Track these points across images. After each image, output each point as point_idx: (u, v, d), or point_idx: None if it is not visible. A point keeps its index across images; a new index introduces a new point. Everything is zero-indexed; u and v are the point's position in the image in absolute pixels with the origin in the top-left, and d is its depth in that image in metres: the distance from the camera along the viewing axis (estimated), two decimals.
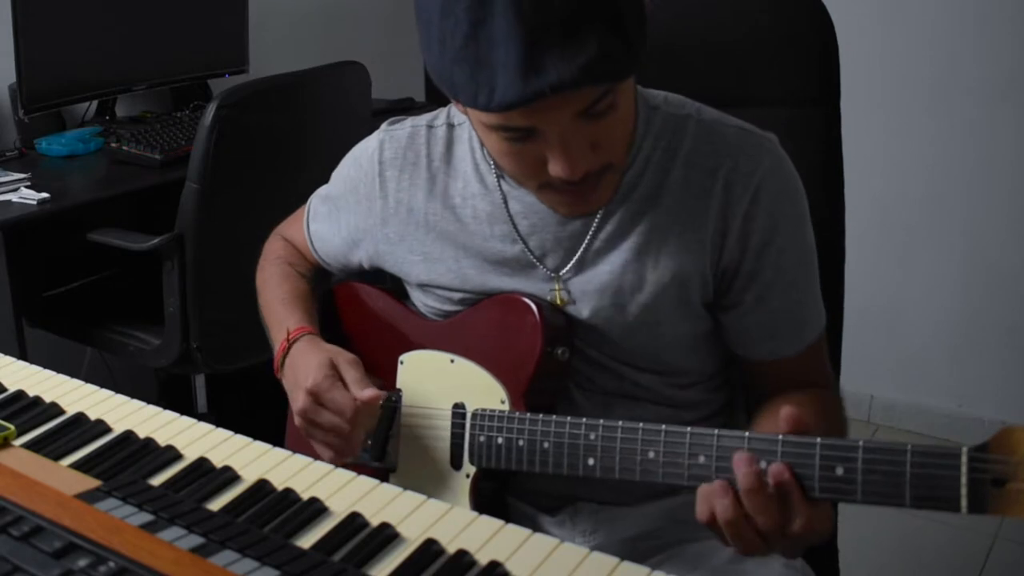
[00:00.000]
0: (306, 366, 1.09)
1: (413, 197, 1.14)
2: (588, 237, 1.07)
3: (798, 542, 0.88)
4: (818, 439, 0.86)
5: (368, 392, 1.05)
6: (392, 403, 1.14)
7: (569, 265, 1.08)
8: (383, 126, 1.18)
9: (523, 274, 1.09)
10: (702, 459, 0.91)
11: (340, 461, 1.03)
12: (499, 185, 1.09)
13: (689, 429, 0.93)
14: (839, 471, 0.84)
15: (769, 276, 1.06)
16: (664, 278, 1.05)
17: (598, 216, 1.06)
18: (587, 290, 1.07)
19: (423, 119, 1.16)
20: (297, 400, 1.08)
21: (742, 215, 1.03)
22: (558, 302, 1.08)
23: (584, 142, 0.94)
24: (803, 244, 1.08)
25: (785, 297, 1.07)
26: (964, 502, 0.80)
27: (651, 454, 0.95)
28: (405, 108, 2.91)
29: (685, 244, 1.04)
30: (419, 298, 1.18)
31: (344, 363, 1.08)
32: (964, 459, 0.79)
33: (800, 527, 0.86)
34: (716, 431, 0.92)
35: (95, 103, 2.62)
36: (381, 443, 1.13)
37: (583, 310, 1.08)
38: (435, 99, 3.15)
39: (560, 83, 0.86)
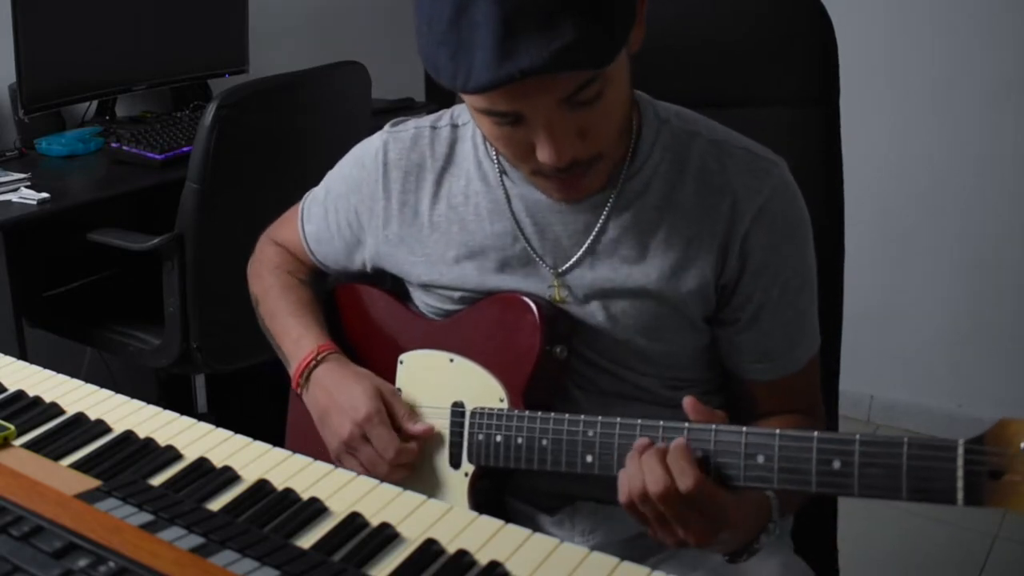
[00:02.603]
0: (351, 394, 1.09)
1: (417, 199, 1.14)
2: (591, 238, 1.07)
3: (699, 515, 0.90)
4: (815, 433, 0.86)
5: (420, 426, 1.08)
6: None
7: (569, 263, 1.08)
8: (386, 127, 1.18)
9: (523, 271, 1.09)
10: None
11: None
12: (502, 182, 1.09)
13: (687, 425, 0.93)
14: (836, 465, 0.85)
15: (765, 297, 1.06)
16: (664, 289, 1.05)
17: (602, 217, 1.06)
18: (587, 291, 1.07)
19: (426, 120, 1.16)
20: (342, 429, 1.09)
21: (743, 235, 1.04)
22: (557, 299, 1.08)
23: (569, 130, 0.95)
24: (802, 268, 1.09)
25: (779, 319, 1.08)
26: (960, 494, 0.79)
27: None
28: (405, 108, 2.91)
29: (689, 258, 1.05)
30: (420, 298, 1.18)
31: (390, 395, 1.10)
32: (960, 451, 0.79)
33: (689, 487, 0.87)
34: (714, 426, 0.92)
35: (95, 103, 2.62)
36: None
37: (582, 310, 1.08)
38: (435, 99, 3.16)
39: (531, 67, 0.86)
